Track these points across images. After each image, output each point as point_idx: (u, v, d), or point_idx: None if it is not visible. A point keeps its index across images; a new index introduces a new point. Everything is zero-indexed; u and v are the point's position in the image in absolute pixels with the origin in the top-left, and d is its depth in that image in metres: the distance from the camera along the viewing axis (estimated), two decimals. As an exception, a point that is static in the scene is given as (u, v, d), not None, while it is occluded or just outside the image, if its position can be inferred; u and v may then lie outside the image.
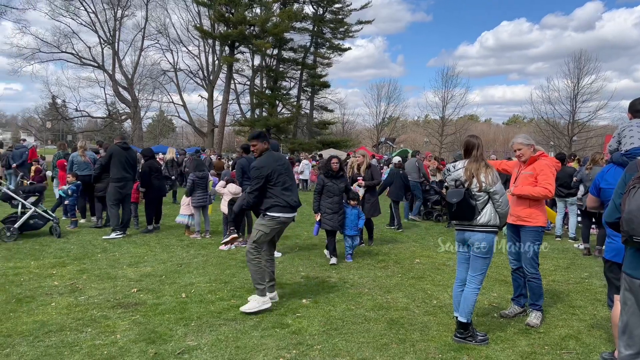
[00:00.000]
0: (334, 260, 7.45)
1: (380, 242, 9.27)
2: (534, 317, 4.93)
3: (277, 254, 7.86)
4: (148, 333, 4.43)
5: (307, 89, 49.27)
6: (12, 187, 10.57)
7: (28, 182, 12.12)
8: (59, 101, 49.46)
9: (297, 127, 49.12)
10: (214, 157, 22.14)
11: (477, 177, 4.25)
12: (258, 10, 44.83)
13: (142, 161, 10.77)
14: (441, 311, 5.27)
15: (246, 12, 42.76)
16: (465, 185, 4.30)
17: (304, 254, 8.04)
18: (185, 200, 9.62)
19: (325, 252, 7.88)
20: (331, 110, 51.94)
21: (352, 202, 7.68)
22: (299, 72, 48.14)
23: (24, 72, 74.46)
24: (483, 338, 4.38)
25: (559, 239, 10.09)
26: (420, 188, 12.78)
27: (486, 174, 4.26)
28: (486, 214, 4.27)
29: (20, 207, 8.87)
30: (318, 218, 7.54)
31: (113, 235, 9.05)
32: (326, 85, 48.83)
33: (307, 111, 49.61)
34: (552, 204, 11.03)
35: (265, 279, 5.25)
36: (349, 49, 49.32)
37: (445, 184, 15.59)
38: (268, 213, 5.20)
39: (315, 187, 7.74)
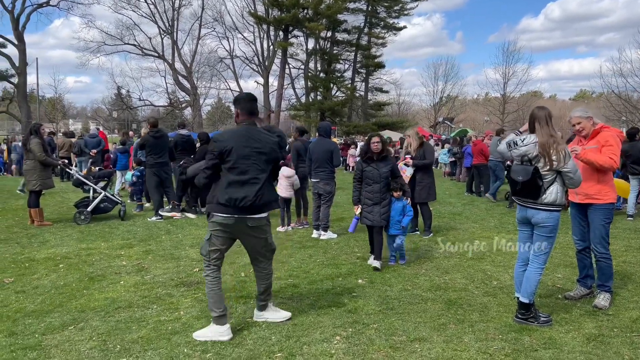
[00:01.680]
0: (376, 263, 5.99)
1: (437, 223, 9.10)
2: (602, 299, 4.69)
3: (332, 235, 7.91)
4: (208, 311, 4.58)
5: (362, 70, 48.76)
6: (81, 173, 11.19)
7: (97, 169, 12.80)
8: (123, 91, 51.69)
9: (352, 109, 48.85)
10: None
11: (548, 155, 3.99)
12: (312, -7, 44.61)
13: (198, 145, 11.09)
14: (501, 292, 5.12)
15: (300, -5, 42.68)
16: (534, 163, 4.08)
17: (360, 236, 8.02)
18: None
19: (370, 261, 6.24)
20: (386, 91, 51.23)
21: (395, 194, 6.13)
22: (353, 53, 47.69)
23: (91, 65, 78.39)
24: (546, 319, 4.22)
25: (631, 218, 9.52)
26: (502, 168, 12.12)
27: (557, 151, 3.97)
28: (552, 193, 4.04)
29: (91, 191, 9.39)
30: (357, 211, 6.21)
31: (154, 218, 9.44)
32: (381, 66, 48.13)
33: (362, 93, 49.19)
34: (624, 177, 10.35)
35: (221, 304, 4.01)
36: (405, 27, 48.31)
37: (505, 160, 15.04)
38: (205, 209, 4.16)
39: (355, 174, 6.38)
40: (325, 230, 7.98)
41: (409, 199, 6.26)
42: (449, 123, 44.41)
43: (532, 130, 4.12)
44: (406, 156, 7.95)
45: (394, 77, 71.12)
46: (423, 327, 4.18)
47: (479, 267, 6.12)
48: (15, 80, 38.26)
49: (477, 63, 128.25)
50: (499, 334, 4.02)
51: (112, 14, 50.12)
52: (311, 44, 47.39)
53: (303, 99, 48.21)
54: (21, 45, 37.53)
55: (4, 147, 22.37)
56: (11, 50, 37.67)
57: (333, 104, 45.24)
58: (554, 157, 3.97)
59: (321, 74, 47.35)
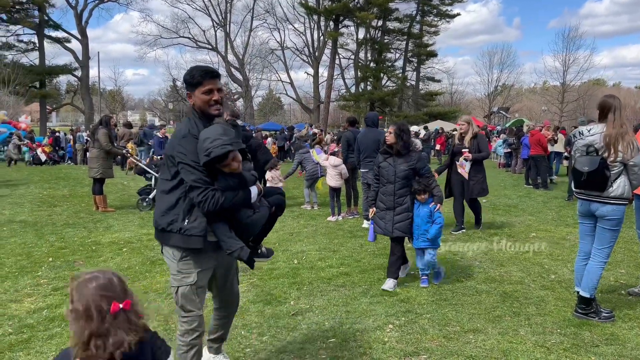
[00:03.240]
0: (387, 284, 4.90)
1: (492, 215, 8.90)
2: (669, 296, 4.48)
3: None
4: (264, 295, 4.73)
5: (413, 59, 47.97)
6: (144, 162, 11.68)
7: (159, 158, 13.32)
8: (178, 83, 53.21)
9: (403, 99, 48.20)
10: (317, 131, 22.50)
11: (615, 147, 3.82)
12: (362, -18, 44.22)
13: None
14: (560, 286, 4.98)
15: (350, -16, 42.42)
16: (600, 153, 3.92)
17: (412, 226, 7.98)
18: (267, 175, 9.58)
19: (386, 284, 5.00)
20: (438, 81, 50.18)
21: (419, 197, 4.91)
22: (405, 42, 46.95)
23: (148, 57, 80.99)
24: (608, 315, 4.08)
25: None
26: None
27: (626, 143, 3.80)
28: (620, 187, 3.88)
29: (153, 180, 9.79)
30: (372, 214, 5.18)
31: None
32: (433, 55, 47.16)
33: (413, 83, 48.42)
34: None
35: None
36: (459, 14, 46.99)
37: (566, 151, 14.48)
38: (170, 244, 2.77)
39: (372, 170, 5.42)
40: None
41: (439, 204, 4.94)
42: (504, 113, 43.04)
43: (601, 119, 3.96)
44: (464, 149, 7.33)
45: (446, 65, 69.33)
46: (477, 318, 4.14)
47: (535, 260, 5.96)
48: (78, 73, 40.20)
49: (535, 50, 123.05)
50: (557, 328, 3.93)
51: (169, 7, 51.85)
52: (362, 33, 47.06)
53: (353, 90, 48.01)
54: (84, 40, 39.33)
55: (70, 137, 23.61)
56: (75, 45, 39.61)
57: (383, 94, 44.81)
58: (620, 149, 3.81)
59: (371, 64, 46.93)
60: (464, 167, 7.28)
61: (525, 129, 15.20)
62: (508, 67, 55.61)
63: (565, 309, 4.32)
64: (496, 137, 24.96)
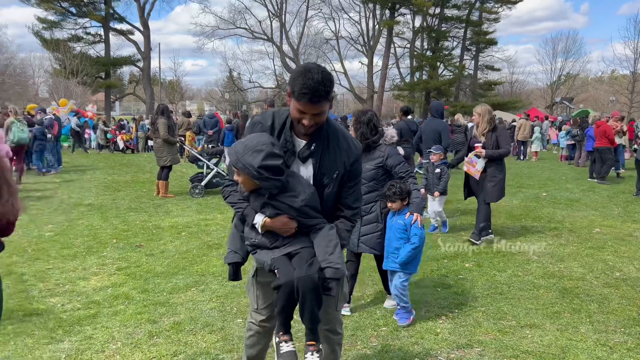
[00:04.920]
0: (388, 302, 4.20)
1: (552, 209, 8.56)
2: None
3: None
4: (316, 282, 4.78)
5: (472, 47, 46.55)
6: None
7: (209, 146, 13.70)
8: (235, 74, 54.28)
9: (460, 89, 46.99)
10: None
11: None
12: (420, -31, 43.26)
13: None
14: (625, 284, 4.74)
15: (407, -29, 41.60)
16: None
17: (467, 219, 7.81)
18: None
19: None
20: (498, 69, 48.44)
21: (390, 204, 3.85)
22: (463, 30, 45.62)
23: (206, 48, 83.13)
24: (678, 317, 3.81)
25: None
26: None
27: None
28: None
29: (204, 167, 10.09)
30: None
31: None
32: (493, 43, 45.55)
33: (471, 72, 47.04)
34: None
35: None
36: (521, 0, 45.13)
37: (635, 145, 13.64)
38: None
39: None
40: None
41: (418, 215, 3.78)
42: (567, 103, 41.11)
43: None
44: (476, 144, 6.15)
45: (506, 54, 67.02)
46: (534, 313, 4.01)
47: (598, 256, 5.70)
48: (140, 64, 41.77)
49: (603, 38, 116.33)
50: (620, 327, 3.75)
51: (226, -1, 53.20)
52: (418, 21, 46.16)
53: (408, 79, 47.27)
54: (146, 32, 40.75)
55: (133, 125, 24.63)
56: (137, 37, 41.10)
57: (439, 84, 43.83)
58: None
59: (427, 53, 45.99)
60: (473, 165, 6.13)
61: (590, 119, 14.47)
62: (573, 55, 52.98)
63: (631, 308, 4.12)
64: (557, 129, 23.88)
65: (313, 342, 2.20)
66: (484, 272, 5.10)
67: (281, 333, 2.23)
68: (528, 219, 7.77)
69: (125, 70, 49.25)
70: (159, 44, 58.46)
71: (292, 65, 49.08)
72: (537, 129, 19.66)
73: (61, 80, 33.89)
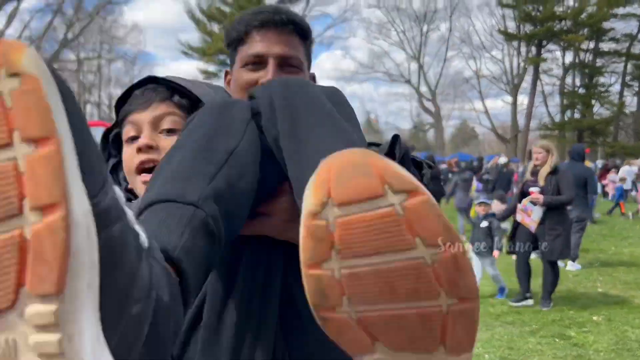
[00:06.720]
0: None
1: None
2: None
3: (576, 266, 7.25)
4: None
5: (633, 83, 42.29)
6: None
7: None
8: (372, 116, 55.89)
9: (619, 128, 42.67)
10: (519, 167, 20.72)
11: None
12: (570, 2, 41.01)
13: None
14: None
15: (555, 7, 39.69)
16: None
17: (606, 270, 7.19)
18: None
19: None
20: (666, 106, 43.21)
21: None
22: (622, 64, 41.78)
23: (345, 92, 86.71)
24: None
25: None
26: None
27: None
28: None
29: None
30: None
31: None
32: (659, 77, 40.95)
33: (633, 109, 42.56)
34: None
35: None
36: (693, 29, 40.13)
37: None
38: None
39: None
40: (574, 260, 7.34)
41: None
42: None
43: None
44: (531, 189, 5.29)
45: (678, 88, 59.37)
46: (665, 376, 3.67)
47: None
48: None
49: None
50: None
51: (365, 44, 55.52)
52: (568, 57, 43.38)
53: (557, 118, 44.29)
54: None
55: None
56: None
57: (594, 122, 40.34)
58: None
59: (580, 89, 42.78)
60: (529, 214, 5.28)
61: None
62: None
63: None
64: None
65: None
66: (613, 326, 4.73)
67: None
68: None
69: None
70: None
71: (430, 106, 49.15)
72: None
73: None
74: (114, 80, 43.22)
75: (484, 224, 5.74)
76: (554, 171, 5.30)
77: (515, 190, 9.02)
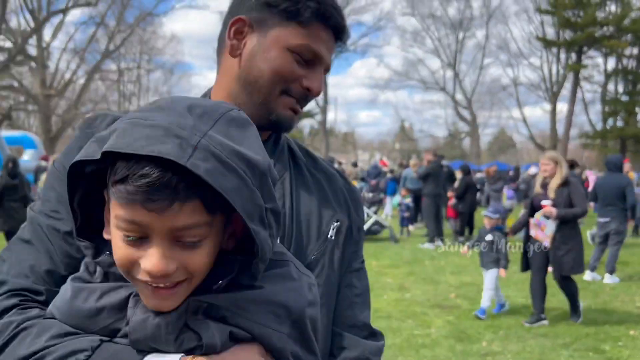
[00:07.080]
0: None
1: None
2: None
3: (613, 279, 7.06)
4: (458, 332, 4.86)
5: (680, 89, 40.66)
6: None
7: (370, 195, 14.32)
8: (406, 124, 55.55)
9: (666, 137, 41.01)
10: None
11: None
12: (612, 8, 39.86)
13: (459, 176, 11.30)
14: None
15: (597, 12, 38.63)
16: None
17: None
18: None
19: None
20: None
21: None
22: (668, 70, 40.28)
23: (379, 100, 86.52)
24: None
25: None
26: None
27: None
28: None
29: (364, 215, 10.69)
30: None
31: (427, 244, 9.90)
32: None
33: (680, 117, 40.92)
34: None
35: None
36: None
37: None
38: None
39: None
40: (611, 273, 7.16)
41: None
42: None
43: None
44: (543, 202, 5.15)
45: None
46: None
47: None
48: (318, 117, 45.47)
49: None
50: None
51: (400, 52, 55.35)
52: (611, 64, 42.10)
53: (598, 126, 42.96)
54: (324, 87, 44.47)
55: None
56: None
57: (637, 131, 38.93)
58: None
59: (623, 97, 41.42)
60: (542, 228, 5.13)
61: None
62: None
63: None
64: None
65: None
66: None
67: None
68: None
69: (305, 123, 53.88)
70: (336, 97, 62.84)
71: (465, 113, 48.50)
72: None
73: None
74: (152, 89, 44.51)
75: (489, 237, 5.55)
76: (564, 183, 5.12)
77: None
